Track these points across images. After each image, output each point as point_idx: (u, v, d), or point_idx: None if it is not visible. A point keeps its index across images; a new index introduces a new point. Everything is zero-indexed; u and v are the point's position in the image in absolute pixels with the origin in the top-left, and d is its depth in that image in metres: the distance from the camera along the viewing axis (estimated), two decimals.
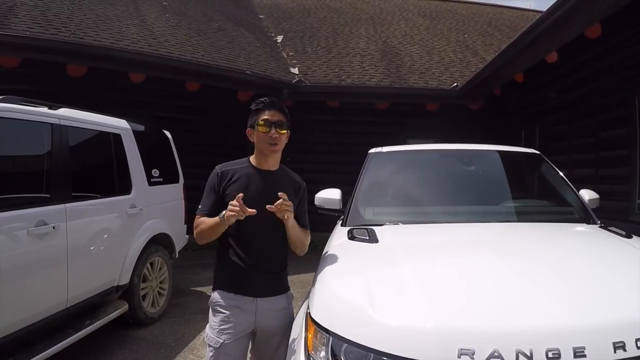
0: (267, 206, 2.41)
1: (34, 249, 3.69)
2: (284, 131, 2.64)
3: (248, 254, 2.60)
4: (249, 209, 2.37)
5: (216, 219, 2.47)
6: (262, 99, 2.67)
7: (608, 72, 7.00)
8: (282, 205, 2.43)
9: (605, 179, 7.02)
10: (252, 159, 2.73)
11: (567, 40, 6.87)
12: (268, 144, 2.60)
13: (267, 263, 2.63)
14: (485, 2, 17.64)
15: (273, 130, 2.59)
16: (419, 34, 13.88)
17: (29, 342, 3.66)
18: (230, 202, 2.40)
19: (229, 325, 2.55)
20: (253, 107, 2.67)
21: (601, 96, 7.17)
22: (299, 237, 2.67)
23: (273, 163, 2.71)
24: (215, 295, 2.63)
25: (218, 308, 2.60)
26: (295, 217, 2.62)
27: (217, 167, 2.70)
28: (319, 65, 11.40)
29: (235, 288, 2.59)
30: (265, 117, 2.60)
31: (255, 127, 2.62)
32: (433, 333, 1.76)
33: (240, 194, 2.39)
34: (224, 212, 2.43)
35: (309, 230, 2.78)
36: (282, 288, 2.72)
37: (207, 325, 2.66)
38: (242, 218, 2.39)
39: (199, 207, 2.65)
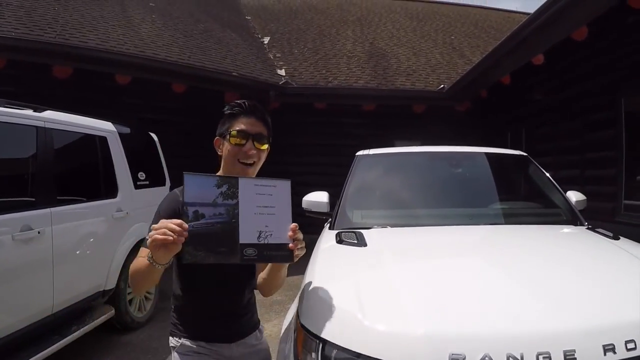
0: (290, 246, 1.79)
1: (19, 254, 3.64)
2: (264, 146, 2.05)
3: (220, 298, 2.04)
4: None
5: (146, 261, 1.76)
6: (239, 102, 2.05)
7: (594, 74, 7.05)
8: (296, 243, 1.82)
9: (591, 180, 7.07)
10: None
11: (554, 43, 6.93)
12: (240, 161, 1.99)
13: (242, 305, 2.10)
14: (471, 4, 17.76)
15: (249, 145, 1.99)
16: (405, 35, 13.93)
17: (14, 349, 3.60)
18: (153, 226, 1.65)
19: None
20: (227, 110, 2.06)
21: (587, 98, 7.23)
22: (282, 279, 2.10)
23: None
24: (185, 344, 2.04)
25: (191, 354, 2.03)
26: None
27: (176, 190, 1.99)
28: (305, 67, 11.40)
29: (208, 337, 2.03)
30: (242, 126, 1.99)
31: (227, 136, 2.00)
32: (424, 338, 1.75)
33: (163, 222, 1.63)
34: (147, 238, 1.72)
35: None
36: (254, 325, 2.20)
37: None
38: (177, 251, 1.64)
39: (146, 236, 1.75)
